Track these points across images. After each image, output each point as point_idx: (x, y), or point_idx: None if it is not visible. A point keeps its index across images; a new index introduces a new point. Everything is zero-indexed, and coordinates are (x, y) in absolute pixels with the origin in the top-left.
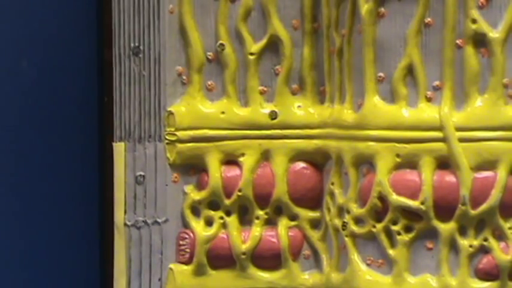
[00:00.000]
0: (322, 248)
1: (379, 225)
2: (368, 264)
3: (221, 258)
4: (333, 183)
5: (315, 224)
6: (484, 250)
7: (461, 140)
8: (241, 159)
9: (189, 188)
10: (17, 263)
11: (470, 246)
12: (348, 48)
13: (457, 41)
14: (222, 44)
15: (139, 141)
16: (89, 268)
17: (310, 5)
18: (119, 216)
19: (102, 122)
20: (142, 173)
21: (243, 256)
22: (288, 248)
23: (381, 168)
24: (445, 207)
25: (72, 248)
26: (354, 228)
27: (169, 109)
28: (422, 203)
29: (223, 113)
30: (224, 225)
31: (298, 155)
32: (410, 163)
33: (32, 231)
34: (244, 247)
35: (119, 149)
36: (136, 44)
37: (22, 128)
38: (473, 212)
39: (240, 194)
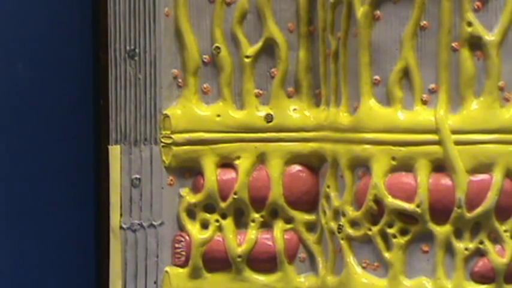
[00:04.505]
0: (318, 251)
1: (375, 228)
2: (364, 267)
3: (217, 261)
4: (328, 186)
5: (311, 227)
6: (479, 253)
7: (457, 143)
8: (236, 162)
9: (184, 191)
10: (13, 266)
11: (466, 249)
12: (343, 51)
13: (453, 44)
14: (217, 47)
15: (135, 144)
16: (84, 271)
17: (306, 8)
18: (115, 219)
19: (97, 125)
20: (138, 176)
21: (239, 259)
22: (283, 251)
23: (377, 171)
24: (440, 210)
25: (68, 251)
26: (350, 231)
27: (165, 112)
28: (418, 206)
29: (218, 116)
30: (220, 228)
31: (293, 158)
32: (406, 166)
33: (28, 234)
34: (239, 250)
35: (115, 152)
36: (132, 47)
37: (17, 131)
38: (469, 215)
39: (235, 196)
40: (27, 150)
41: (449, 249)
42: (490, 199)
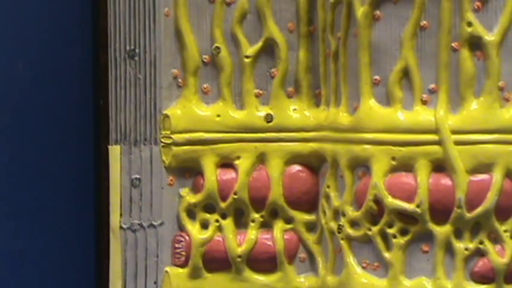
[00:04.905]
0: (318, 251)
1: (375, 228)
2: (364, 267)
3: (217, 261)
4: (328, 186)
5: (311, 227)
6: (479, 253)
7: (457, 143)
8: (236, 162)
9: (184, 191)
10: (13, 266)
11: (466, 249)
12: (343, 51)
13: (453, 44)
14: (217, 47)
15: (135, 144)
16: (84, 271)
17: (306, 8)
18: (115, 219)
19: (97, 125)
20: (138, 176)
21: (239, 259)
22: (283, 251)
23: (377, 171)
24: (440, 210)
25: (67, 251)
26: (350, 231)
27: (164, 112)
28: (417, 206)
29: (218, 116)
30: (220, 228)
31: (293, 158)
32: (405, 166)
33: (28, 234)
34: (239, 250)
35: (115, 152)
36: (132, 47)
37: (17, 131)
38: (468, 215)
39: (235, 197)
40: (27, 150)
41: (449, 249)
42: (490, 199)
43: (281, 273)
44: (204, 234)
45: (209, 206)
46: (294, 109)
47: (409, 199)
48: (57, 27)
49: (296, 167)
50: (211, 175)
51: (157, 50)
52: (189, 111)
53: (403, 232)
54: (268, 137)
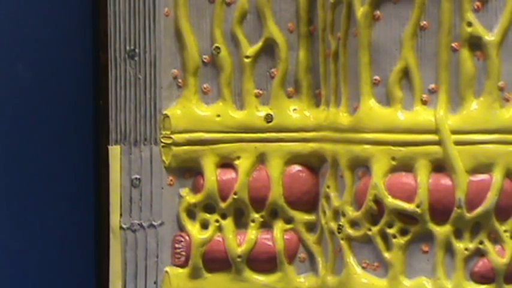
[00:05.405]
0: (318, 251)
1: (375, 228)
2: (363, 267)
3: (217, 261)
4: (328, 186)
5: (311, 227)
6: (479, 253)
7: (457, 143)
8: (236, 162)
9: (184, 191)
10: (12, 266)
11: (466, 249)
12: (343, 51)
13: (453, 44)
14: (217, 47)
15: (135, 145)
16: (84, 271)
17: (306, 8)
18: (115, 219)
19: (97, 125)
20: (138, 176)
21: (239, 259)
22: (283, 251)
23: (377, 171)
24: (440, 210)
25: (67, 251)
26: (350, 231)
27: (164, 112)
28: (417, 206)
29: (218, 116)
30: (220, 228)
31: (293, 158)
32: (405, 166)
33: (27, 234)
34: (239, 250)
35: (115, 152)
36: (132, 47)
37: (17, 131)
38: (468, 215)
39: (235, 197)
40: (27, 150)
41: (449, 250)
42: (490, 199)
43: (281, 273)
44: (204, 234)
45: (209, 206)
46: (294, 109)
47: (409, 199)
48: (57, 27)
49: (296, 167)
50: (211, 175)
51: (157, 50)
52: (189, 111)
53: (403, 232)
54: (268, 137)
